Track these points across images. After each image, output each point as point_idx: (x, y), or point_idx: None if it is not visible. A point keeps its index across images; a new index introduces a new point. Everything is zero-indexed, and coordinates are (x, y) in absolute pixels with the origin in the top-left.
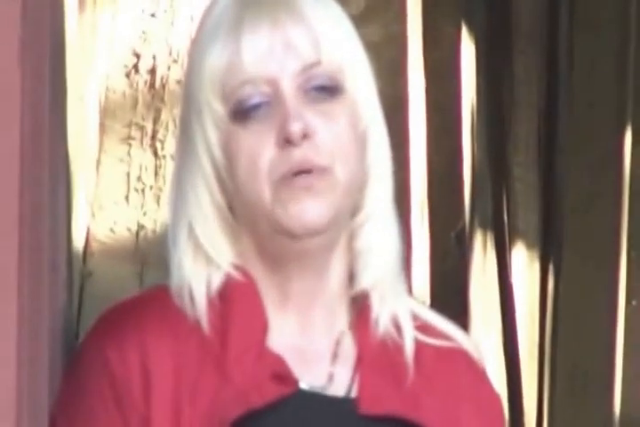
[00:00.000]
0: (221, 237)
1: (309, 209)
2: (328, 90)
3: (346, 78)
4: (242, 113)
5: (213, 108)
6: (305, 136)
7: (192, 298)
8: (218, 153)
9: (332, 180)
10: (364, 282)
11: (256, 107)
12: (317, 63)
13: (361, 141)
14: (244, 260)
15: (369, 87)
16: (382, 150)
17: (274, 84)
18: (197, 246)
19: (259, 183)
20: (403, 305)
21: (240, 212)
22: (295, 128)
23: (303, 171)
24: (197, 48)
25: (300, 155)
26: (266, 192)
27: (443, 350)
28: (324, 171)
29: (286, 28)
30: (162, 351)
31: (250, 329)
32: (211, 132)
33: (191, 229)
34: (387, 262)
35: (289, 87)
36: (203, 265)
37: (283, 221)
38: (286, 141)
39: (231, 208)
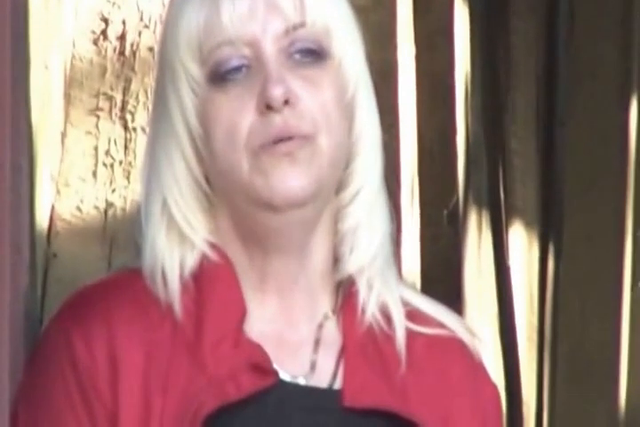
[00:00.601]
0: (197, 212)
1: (290, 178)
2: (313, 54)
3: (332, 42)
4: (220, 76)
5: (189, 72)
6: (287, 102)
7: (164, 279)
8: (194, 121)
9: (315, 149)
10: (350, 266)
11: (235, 69)
12: (302, 25)
13: (347, 111)
14: (221, 237)
15: (357, 53)
16: (371, 122)
17: (255, 46)
18: (171, 222)
19: (236, 151)
20: (392, 292)
21: (217, 184)
22: (276, 93)
23: (283, 138)
24: (172, 9)
25: (280, 121)
26: (244, 161)
27: (434, 338)
28: (306, 139)
29: None
30: (131, 339)
31: (226, 315)
32: (186, 97)
33: (165, 204)
34: (375, 245)
35: (271, 50)
36: (176, 243)
37: (262, 191)
38: (267, 107)
39: (208, 181)
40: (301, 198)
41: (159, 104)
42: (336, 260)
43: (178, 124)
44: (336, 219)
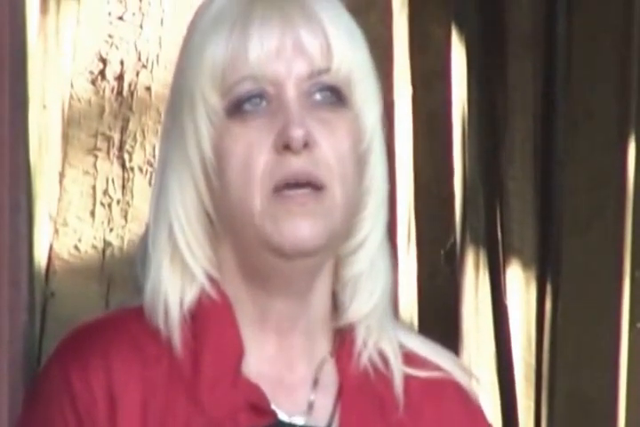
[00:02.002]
0: (202, 242)
1: (303, 229)
2: (332, 100)
3: (353, 92)
4: (239, 108)
5: (209, 102)
6: (306, 145)
7: (166, 308)
8: (208, 150)
9: (329, 200)
10: (350, 316)
11: (255, 103)
12: (326, 70)
13: (361, 161)
14: (222, 271)
15: (375, 104)
16: (381, 173)
17: (277, 85)
18: (175, 249)
19: (250, 186)
20: (389, 336)
21: (225, 217)
22: (298, 134)
23: (299, 183)
24: (196, 36)
25: (297, 164)
26: (257, 201)
27: (431, 381)
28: (321, 189)
29: (298, 27)
30: (129, 377)
31: (224, 355)
32: (203, 127)
33: (171, 231)
34: (376, 296)
35: (293, 91)
36: (178, 273)
37: (273, 237)
38: (285, 147)
39: (217, 212)
40: (312, 249)
41: (173, 130)
42: (336, 306)
43: (192, 152)
44: (339, 265)
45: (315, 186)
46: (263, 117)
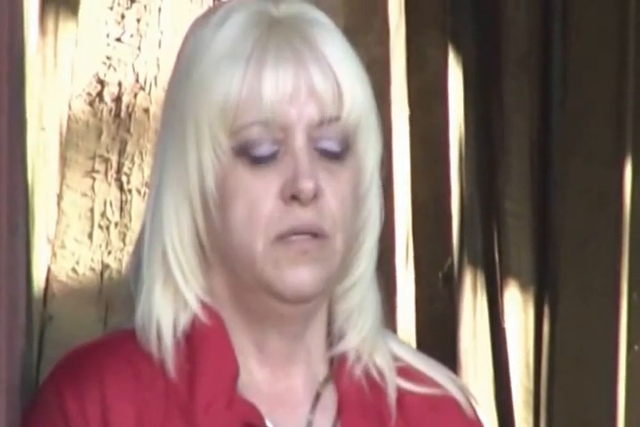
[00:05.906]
0: (195, 270)
1: (304, 275)
2: (339, 149)
3: (357, 140)
4: (247, 152)
5: (217, 138)
6: (314, 196)
7: (159, 334)
8: (211, 183)
9: (331, 249)
10: (346, 345)
11: (264, 149)
12: (337, 119)
13: (359, 203)
14: (216, 298)
15: (377, 147)
16: (376, 210)
17: (288, 130)
18: (168, 275)
19: (253, 234)
20: (382, 350)
21: (222, 254)
22: (308, 187)
23: (305, 233)
24: (203, 66)
25: (306, 217)
26: (259, 246)
27: (429, 397)
28: (325, 238)
29: (310, 69)
30: (124, 400)
31: (219, 375)
32: (208, 159)
33: (165, 256)
34: (366, 329)
35: (302, 138)
36: (171, 299)
37: (275, 283)
38: (293, 198)
39: (212, 245)
40: (312, 295)
41: (173, 155)
42: (329, 333)
43: (193, 182)
44: (332, 300)
45: (318, 236)
46: (271, 164)
